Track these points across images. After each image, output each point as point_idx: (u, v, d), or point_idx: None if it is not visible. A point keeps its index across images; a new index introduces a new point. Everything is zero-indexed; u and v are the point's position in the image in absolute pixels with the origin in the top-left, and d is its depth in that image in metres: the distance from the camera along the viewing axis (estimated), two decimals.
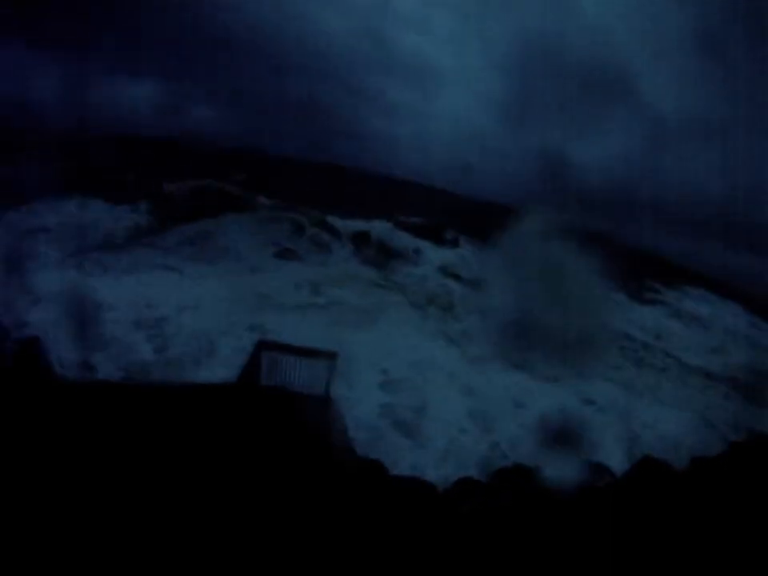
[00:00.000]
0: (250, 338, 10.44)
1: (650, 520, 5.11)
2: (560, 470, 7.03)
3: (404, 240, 32.17)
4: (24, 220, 22.23)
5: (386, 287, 24.58)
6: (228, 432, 6.30)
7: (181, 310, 16.46)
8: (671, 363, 22.09)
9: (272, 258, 26.12)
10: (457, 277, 28.20)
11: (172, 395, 7.61)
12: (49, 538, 3.91)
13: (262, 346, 8.35)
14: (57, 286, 14.11)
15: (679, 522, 5.04)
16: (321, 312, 19.43)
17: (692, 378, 20.92)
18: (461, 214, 44.14)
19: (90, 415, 5.88)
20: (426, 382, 15.13)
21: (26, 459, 4.77)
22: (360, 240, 30.75)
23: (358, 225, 32.63)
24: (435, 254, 31.33)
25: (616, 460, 10.83)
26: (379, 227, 32.86)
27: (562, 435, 9.18)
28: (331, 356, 8.29)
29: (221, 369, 11.94)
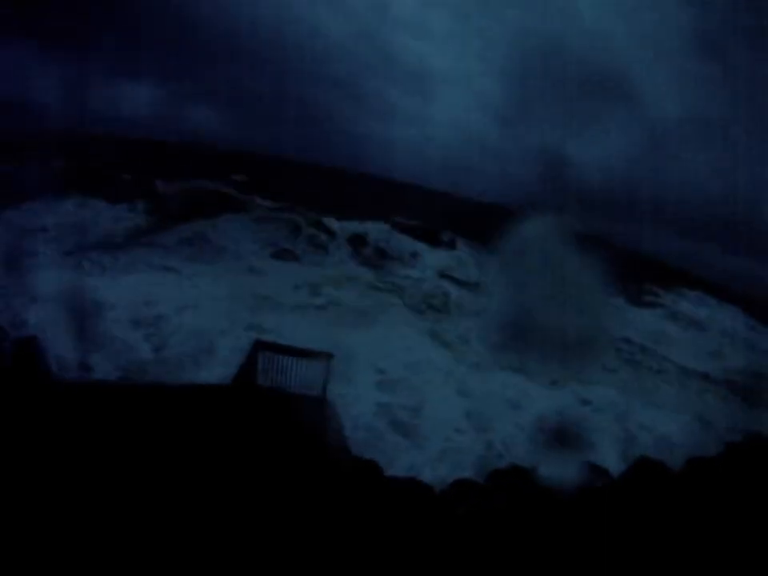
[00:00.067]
0: (247, 338, 10.42)
1: (647, 520, 5.11)
2: (556, 470, 7.04)
3: (401, 242, 32.23)
4: (23, 219, 22.25)
5: (382, 289, 24.60)
6: (224, 432, 6.30)
7: (179, 309, 16.45)
8: (669, 366, 22.12)
9: (269, 258, 26.17)
10: (453, 279, 28.24)
11: (169, 395, 7.62)
12: (46, 538, 3.91)
13: (259, 346, 8.36)
14: (55, 286, 14.07)
15: (676, 523, 5.04)
16: (318, 312, 19.46)
17: (689, 380, 20.94)
18: (458, 216, 44.24)
19: (86, 415, 5.88)
20: (422, 382, 15.14)
21: (22, 458, 4.77)
22: (357, 242, 30.81)
23: (356, 226, 32.70)
24: (432, 256, 31.39)
25: (612, 461, 10.84)
26: (376, 229, 32.92)
27: (558, 436, 9.20)
28: (327, 357, 8.31)
29: (219, 368, 11.96)
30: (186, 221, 27.52)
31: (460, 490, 7.50)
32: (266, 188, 38.24)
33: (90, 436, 5.41)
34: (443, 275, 28.58)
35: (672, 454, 10.40)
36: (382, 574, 4.33)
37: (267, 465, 5.69)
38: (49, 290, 13.82)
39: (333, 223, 32.19)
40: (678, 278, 45.55)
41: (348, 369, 12.99)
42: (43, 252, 19.33)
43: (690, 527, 4.93)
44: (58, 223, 22.73)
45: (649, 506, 5.67)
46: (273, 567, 4.16)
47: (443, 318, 22.23)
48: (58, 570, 3.75)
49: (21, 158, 28.25)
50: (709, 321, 32.03)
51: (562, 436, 9.38)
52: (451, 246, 35.06)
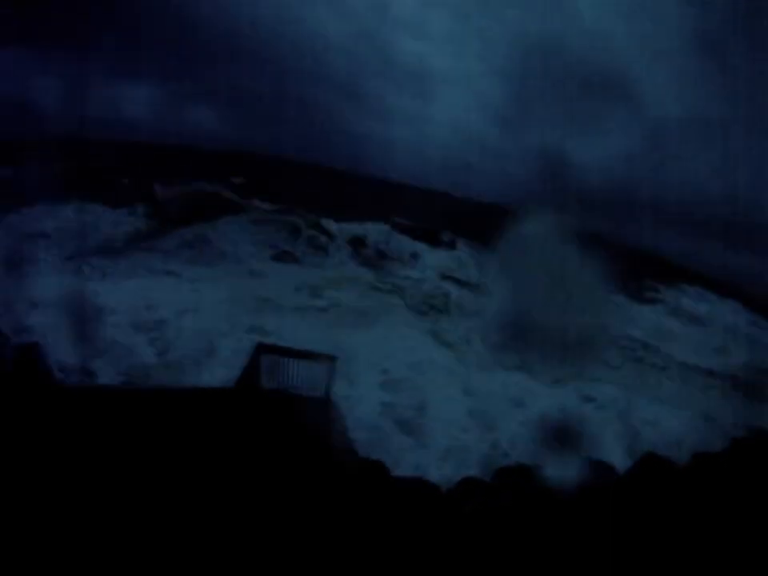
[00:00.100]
0: (249, 340, 10.42)
1: (654, 516, 5.11)
2: (562, 467, 7.03)
3: (401, 242, 32.21)
4: (23, 223, 22.21)
5: (383, 290, 24.59)
6: (229, 436, 6.29)
7: (180, 313, 16.44)
8: (671, 362, 22.10)
9: (270, 260, 26.17)
10: (454, 279, 28.22)
11: (172, 399, 7.60)
12: (49, 543, 3.90)
13: (261, 349, 8.35)
14: (56, 291, 14.07)
15: (683, 518, 5.04)
16: (320, 314, 19.46)
17: (693, 376, 20.93)
18: (458, 216, 44.19)
19: (89, 420, 5.86)
20: (425, 381, 15.15)
21: (23, 464, 4.75)
22: (357, 243, 30.80)
23: (356, 227, 32.69)
24: (432, 257, 31.37)
25: (617, 458, 10.84)
26: (376, 230, 32.91)
27: (562, 433, 9.18)
28: (330, 358, 8.31)
29: (221, 370, 11.95)
30: (186, 224, 27.49)
31: (466, 489, 7.51)
32: (266, 189, 38.20)
33: (93, 441, 5.39)
34: (443, 275, 28.56)
35: (677, 450, 10.42)
36: (391, 573, 4.32)
37: (272, 468, 5.68)
38: (50, 295, 13.81)
39: (332, 224, 32.16)
40: (679, 273, 45.49)
41: (351, 369, 13.01)
42: (44, 257, 19.30)
43: (697, 522, 4.92)
44: (59, 228, 22.69)
45: (655, 501, 5.67)
46: (281, 569, 4.16)
47: (444, 318, 22.22)
48: (61, 573, 3.75)
49: (20, 162, 28.23)
50: (710, 316, 32.00)
51: (566, 433, 9.37)
52: (451, 246, 35.03)
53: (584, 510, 5.52)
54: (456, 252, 33.92)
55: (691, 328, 28.63)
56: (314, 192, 40.94)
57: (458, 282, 27.84)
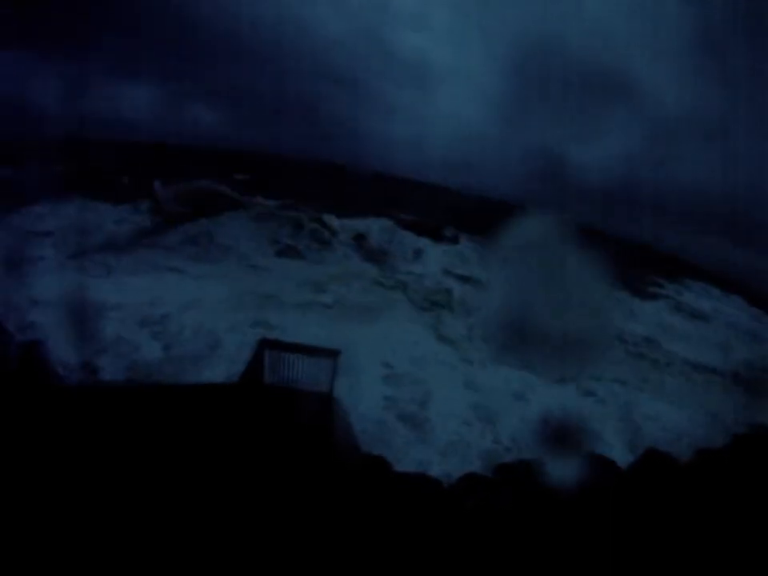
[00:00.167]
0: (254, 335, 10.47)
1: (655, 511, 5.14)
2: (563, 463, 7.06)
3: (404, 238, 32.23)
4: (26, 223, 22.32)
5: (386, 285, 24.62)
6: (233, 431, 6.33)
7: (185, 308, 16.53)
8: (674, 358, 22.07)
9: (273, 256, 26.22)
10: (457, 274, 28.21)
11: (176, 396, 7.62)
12: (53, 541, 3.94)
13: (265, 344, 8.35)
14: (60, 289, 14.16)
15: (684, 513, 5.06)
16: (324, 309, 19.51)
17: (695, 372, 20.89)
18: (461, 212, 44.20)
19: (93, 418, 5.90)
20: (428, 376, 15.22)
21: (27, 462, 4.79)
22: (361, 238, 30.81)
23: (359, 223, 32.71)
24: (435, 252, 31.38)
25: (619, 453, 10.87)
26: (380, 225, 32.93)
27: (565, 428, 9.22)
28: (334, 353, 8.30)
29: (226, 365, 12.03)
30: (188, 221, 27.56)
31: (468, 485, 7.54)
32: (268, 187, 38.25)
33: (97, 438, 5.43)
34: (446, 271, 28.56)
35: (679, 446, 10.44)
36: (394, 569, 4.36)
37: (276, 463, 5.71)
38: (54, 293, 13.90)
39: (336, 220, 32.21)
40: (682, 269, 45.44)
41: (354, 364, 13.04)
42: (48, 255, 19.40)
43: (698, 517, 4.95)
44: (62, 226, 22.77)
45: (657, 497, 5.69)
46: (285, 563, 4.19)
47: (447, 313, 22.23)
48: (68, 572, 3.79)
49: (22, 161, 28.33)
50: (713, 312, 31.95)
51: (568, 429, 9.40)
52: (454, 241, 35.03)
53: (586, 506, 5.55)
54: (459, 247, 33.91)
55: (694, 324, 28.57)
56: (316, 188, 40.98)
57: (461, 277, 27.83)
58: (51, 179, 28.14)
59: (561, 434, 9.10)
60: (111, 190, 29.91)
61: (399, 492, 6.47)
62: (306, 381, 8.20)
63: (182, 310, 16.40)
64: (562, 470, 6.67)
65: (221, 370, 12.02)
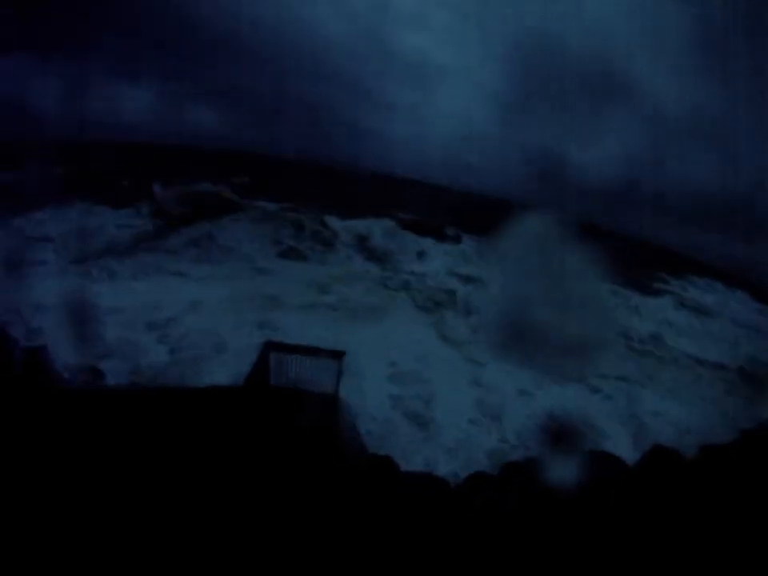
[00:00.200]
0: (259, 337, 10.49)
1: (662, 508, 5.12)
2: (570, 460, 7.04)
3: (406, 238, 32.24)
4: (28, 227, 22.38)
5: (389, 285, 24.62)
6: (238, 434, 6.32)
7: (189, 311, 16.59)
8: (678, 354, 22.01)
9: (276, 258, 26.26)
10: (460, 274, 28.19)
11: (180, 398, 7.62)
12: (58, 543, 3.95)
13: (270, 346, 8.34)
14: (63, 294, 14.19)
15: (690, 510, 5.05)
16: (328, 309, 19.55)
17: (699, 367, 20.83)
18: (462, 211, 44.12)
19: (97, 421, 5.90)
20: (433, 374, 15.26)
21: (31, 466, 4.79)
22: (363, 239, 30.81)
23: (361, 224, 32.72)
24: (437, 252, 31.38)
25: (624, 450, 10.84)
26: (382, 226, 32.94)
27: (570, 426, 9.19)
28: (339, 355, 8.28)
29: (231, 367, 12.04)
30: (190, 224, 27.62)
31: (475, 484, 7.52)
32: (269, 189, 38.27)
33: (101, 442, 5.43)
34: (449, 271, 28.54)
35: (685, 442, 10.40)
36: (401, 569, 4.36)
37: (282, 465, 5.71)
38: (57, 297, 13.93)
39: (338, 221, 32.24)
40: (686, 265, 45.26)
41: (360, 362, 13.08)
42: (51, 260, 19.46)
43: (705, 514, 4.93)
44: (64, 231, 22.83)
45: (663, 493, 5.67)
46: (292, 564, 4.20)
47: (451, 313, 22.22)
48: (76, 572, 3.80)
49: (22, 164, 28.38)
50: (717, 307, 31.82)
51: (574, 426, 9.37)
52: (456, 240, 35.00)
53: (593, 504, 5.54)
54: (461, 247, 33.87)
55: (699, 320, 28.46)
56: (318, 189, 40.97)
57: (464, 277, 27.80)
58: (52, 182, 28.20)
59: (567, 432, 9.07)
60: (112, 193, 29.96)
61: (406, 492, 6.46)
62: (312, 382, 8.19)
63: (185, 312, 16.44)
64: (569, 468, 6.65)
65: (226, 373, 12.05)
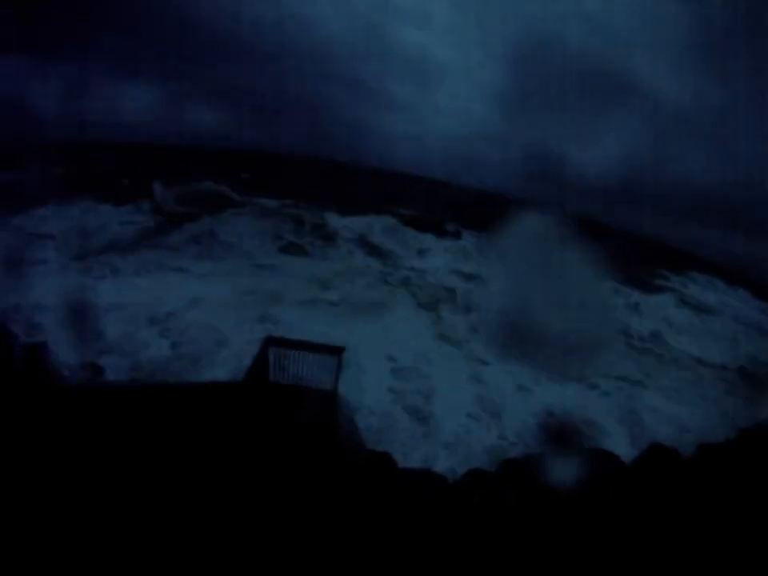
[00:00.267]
0: (260, 332, 10.52)
1: (659, 506, 5.14)
2: (568, 458, 7.07)
3: (407, 234, 32.24)
4: (29, 225, 22.40)
5: (390, 281, 24.63)
6: (238, 429, 6.34)
7: (190, 307, 16.65)
8: (678, 352, 22.00)
9: (278, 253, 26.29)
10: (459, 271, 28.19)
11: (180, 394, 7.63)
12: (58, 541, 3.97)
13: (270, 341, 8.35)
14: (64, 291, 14.22)
15: (688, 508, 5.07)
16: (329, 305, 19.60)
17: (699, 366, 20.83)
18: (462, 207, 44.13)
19: (97, 417, 5.91)
20: (432, 370, 15.30)
21: (30, 462, 4.81)
22: (364, 235, 30.82)
23: (362, 220, 32.72)
24: (438, 248, 31.39)
25: (622, 448, 10.86)
26: (382, 222, 32.95)
27: (569, 423, 9.23)
28: (338, 351, 8.29)
29: (232, 362, 12.10)
30: (191, 220, 27.66)
31: (473, 481, 7.54)
32: (270, 186, 38.29)
33: (102, 438, 5.43)
34: (449, 267, 28.54)
35: (682, 440, 10.43)
36: (400, 565, 4.38)
37: (281, 460, 5.73)
38: (58, 294, 13.96)
39: (339, 218, 32.25)
40: (687, 262, 45.24)
41: (360, 357, 13.14)
42: (51, 258, 19.47)
43: (703, 512, 4.95)
44: (66, 228, 22.85)
45: (661, 491, 5.69)
46: (290, 560, 4.22)
47: (450, 309, 22.23)
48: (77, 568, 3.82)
49: (23, 164, 28.42)
50: (718, 305, 31.78)
51: (572, 424, 9.40)
52: (456, 236, 35.01)
53: (590, 501, 5.56)
54: (461, 243, 33.87)
55: (699, 317, 28.42)
56: (319, 186, 40.99)
57: (464, 273, 27.79)
58: (52, 181, 28.24)
59: (565, 429, 9.11)
60: (112, 192, 30.00)
61: (404, 488, 6.48)
62: (311, 378, 8.21)
63: (187, 308, 16.49)
64: (567, 466, 6.67)
65: (227, 367, 12.10)
